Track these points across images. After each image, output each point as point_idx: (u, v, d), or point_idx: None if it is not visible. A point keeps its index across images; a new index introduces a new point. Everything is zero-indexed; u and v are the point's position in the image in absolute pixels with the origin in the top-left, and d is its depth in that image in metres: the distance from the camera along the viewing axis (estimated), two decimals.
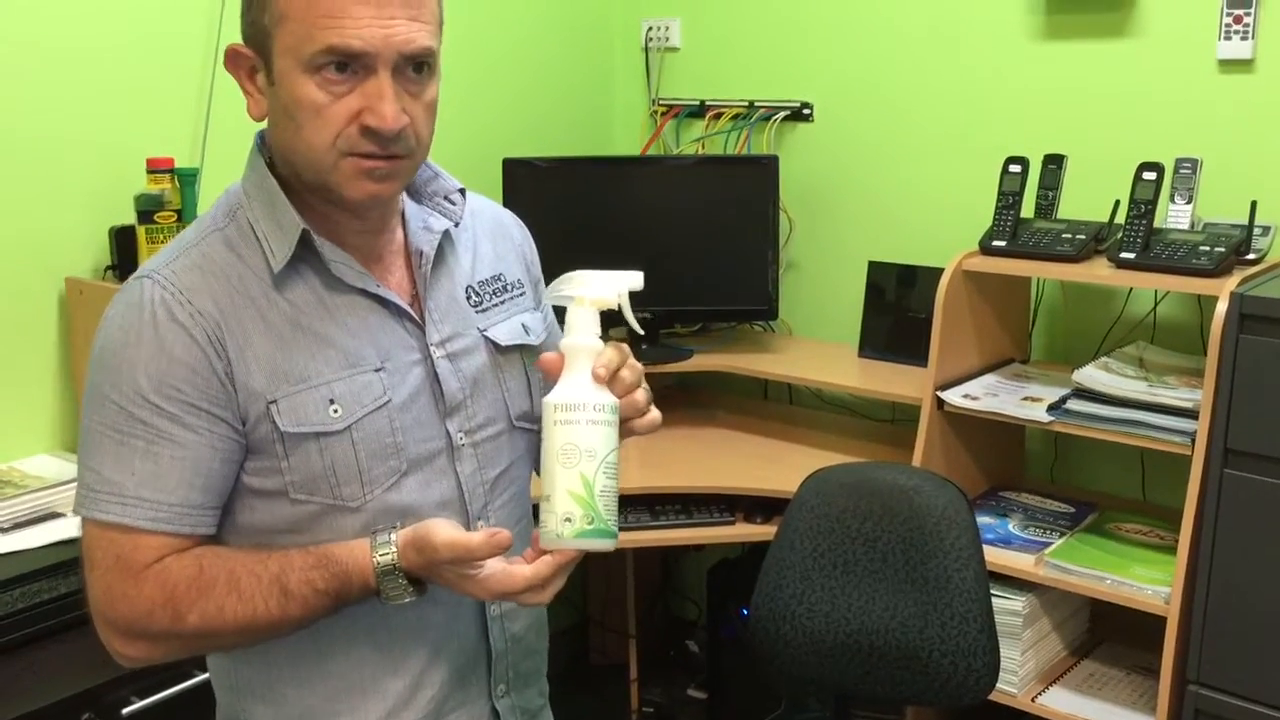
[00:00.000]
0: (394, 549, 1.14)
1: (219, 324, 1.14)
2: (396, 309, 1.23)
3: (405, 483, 1.22)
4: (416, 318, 1.25)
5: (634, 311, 1.18)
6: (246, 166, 1.23)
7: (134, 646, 1.16)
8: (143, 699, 1.73)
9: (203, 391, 1.14)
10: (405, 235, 1.28)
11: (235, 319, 1.15)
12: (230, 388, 1.15)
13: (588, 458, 1.13)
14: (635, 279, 1.18)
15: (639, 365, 1.20)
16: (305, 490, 1.18)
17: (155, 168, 2.15)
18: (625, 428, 1.19)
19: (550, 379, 1.17)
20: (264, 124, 1.22)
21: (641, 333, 1.18)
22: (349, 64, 1.11)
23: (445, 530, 1.13)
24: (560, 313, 1.21)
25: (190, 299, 1.14)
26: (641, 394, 1.21)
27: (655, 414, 1.24)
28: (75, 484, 1.17)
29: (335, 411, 1.18)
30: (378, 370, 1.20)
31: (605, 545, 1.14)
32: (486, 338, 1.30)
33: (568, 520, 1.12)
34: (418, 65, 1.15)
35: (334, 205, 1.19)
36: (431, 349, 1.25)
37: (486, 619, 1.30)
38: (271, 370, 1.16)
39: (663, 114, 3.16)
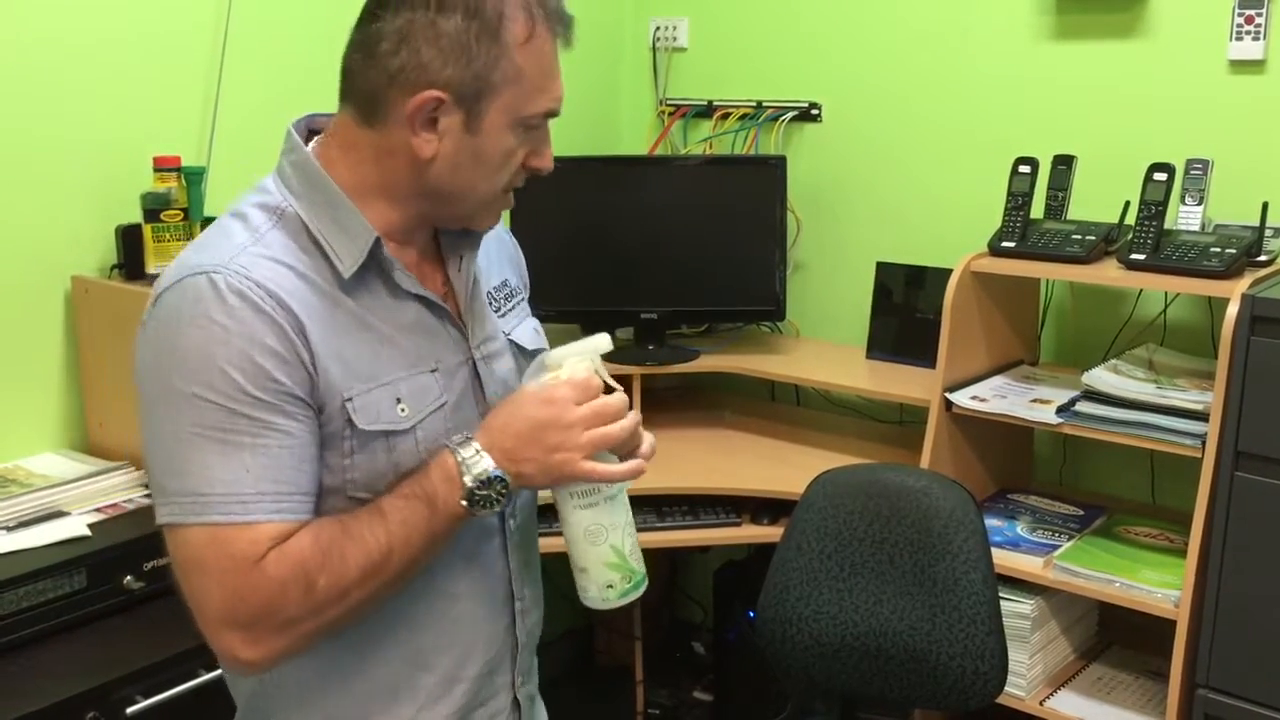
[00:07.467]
0: (466, 433, 1.19)
1: (296, 315, 1.13)
2: (442, 312, 1.25)
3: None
4: (459, 321, 1.27)
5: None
6: (293, 172, 1.21)
7: (260, 646, 1.11)
8: (147, 698, 1.71)
9: (296, 380, 1.12)
10: (436, 241, 1.30)
11: (308, 313, 1.14)
12: (316, 377, 1.14)
13: (613, 530, 1.23)
14: (604, 342, 1.25)
15: (634, 416, 1.24)
16: (364, 488, 1.18)
17: (161, 166, 2.15)
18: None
19: None
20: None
21: (619, 389, 1.25)
22: None
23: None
24: None
25: (269, 292, 1.12)
26: (647, 444, 1.28)
27: (650, 439, 1.29)
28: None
29: (403, 410, 1.19)
30: (433, 372, 1.23)
31: (642, 590, 1.26)
32: (511, 341, 1.34)
33: (610, 587, 1.24)
34: None
35: (440, 225, 1.26)
36: (474, 351, 1.27)
37: (514, 612, 1.33)
38: (344, 367, 1.16)
39: (670, 114, 3.15)
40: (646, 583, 1.26)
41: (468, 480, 1.16)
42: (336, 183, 1.19)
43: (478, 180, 1.20)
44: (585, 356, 1.23)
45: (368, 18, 1.17)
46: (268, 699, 1.26)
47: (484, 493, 1.16)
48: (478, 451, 1.17)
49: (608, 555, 1.23)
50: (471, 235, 1.30)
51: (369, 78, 1.16)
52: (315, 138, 1.24)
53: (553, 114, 1.21)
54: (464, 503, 1.16)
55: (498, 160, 1.19)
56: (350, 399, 1.16)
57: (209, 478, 1.10)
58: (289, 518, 1.12)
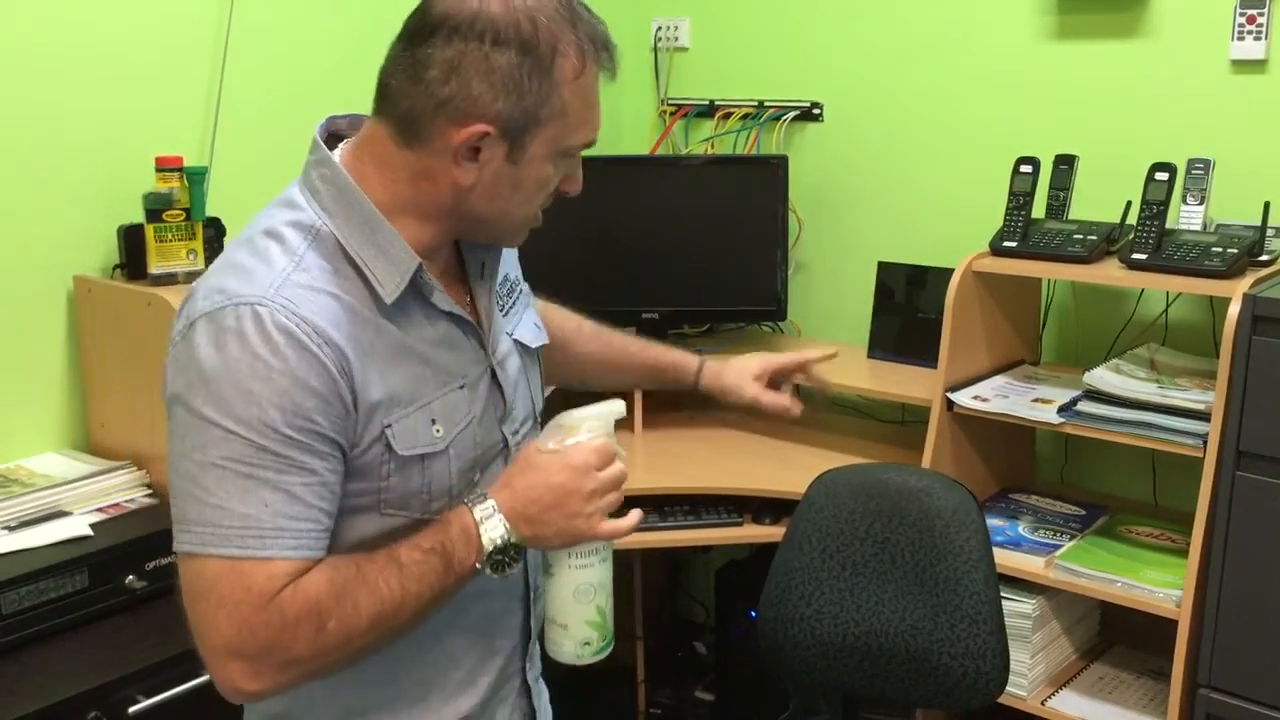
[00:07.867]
0: (482, 490, 1.20)
1: (343, 351, 1.12)
2: (468, 326, 1.25)
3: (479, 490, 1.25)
4: (480, 331, 1.27)
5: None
6: (324, 188, 1.18)
7: (261, 679, 1.11)
8: (149, 698, 1.72)
9: (332, 421, 1.11)
10: (458, 250, 1.30)
11: (352, 346, 1.13)
12: (354, 414, 1.13)
13: (600, 591, 1.27)
14: (619, 408, 1.27)
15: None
16: (396, 506, 1.19)
17: (164, 166, 2.15)
18: None
19: None
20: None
21: (624, 454, 1.27)
22: None
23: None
24: None
25: (315, 328, 1.10)
26: None
27: None
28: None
29: (438, 431, 1.20)
30: (461, 387, 1.23)
31: (610, 650, 1.31)
32: (516, 341, 1.34)
33: (587, 644, 1.28)
34: None
35: (467, 240, 1.27)
36: (492, 359, 1.28)
37: (529, 604, 1.36)
38: (385, 394, 1.15)
39: (672, 114, 3.15)
40: (614, 644, 1.31)
41: (485, 543, 1.16)
42: (371, 200, 1.17)
43: (513, 207, 1.21)
44: (602, 420, 1.24)
45: (414, 39, 1.14)
46: (292, 697, 1.25)
47: (499, 557, 1.17)
48: (494, 512, 1.17)
49: (591, 614, 1.26)
50: (489, 245, 1.30)
51: (413, 101, 1.14)
52: (340, 144, 1.22)
53: (591, 144, 1.23)
54: (478, 565, 1.17)
55: (534, 188, 1.21)
56: (390, 425, 1.16)
57: (229, 510, 1.08)
58: (305, 554, 1.11)
